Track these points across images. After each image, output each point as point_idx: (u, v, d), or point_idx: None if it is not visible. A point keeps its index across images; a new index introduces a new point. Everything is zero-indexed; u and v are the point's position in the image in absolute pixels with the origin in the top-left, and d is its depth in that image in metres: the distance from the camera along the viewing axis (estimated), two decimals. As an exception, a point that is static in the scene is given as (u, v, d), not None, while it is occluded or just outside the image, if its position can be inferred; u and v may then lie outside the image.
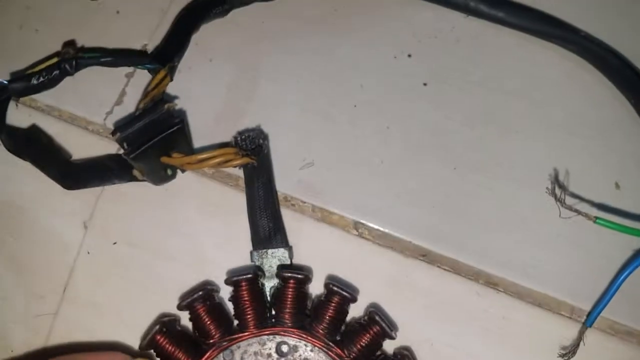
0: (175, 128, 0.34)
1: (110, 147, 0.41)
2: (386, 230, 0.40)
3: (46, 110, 0.42)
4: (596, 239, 0.37)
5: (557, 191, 0.32)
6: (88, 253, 0.40)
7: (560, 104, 0.41)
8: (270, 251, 0.37)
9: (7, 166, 0.40)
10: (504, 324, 0.38)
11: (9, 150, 0.39)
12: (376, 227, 0.40)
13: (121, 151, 0.36)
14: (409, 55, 0.42)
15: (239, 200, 0.40)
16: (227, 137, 0.40)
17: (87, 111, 0.42)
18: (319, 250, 0.39)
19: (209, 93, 0.41)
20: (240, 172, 0.40)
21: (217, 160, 0.36)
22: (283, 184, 0.40)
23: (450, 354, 0.37)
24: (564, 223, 0.36)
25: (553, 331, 0.37)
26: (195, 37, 0.42)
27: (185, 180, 0.41)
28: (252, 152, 0.36)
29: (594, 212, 0.34)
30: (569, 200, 0.34)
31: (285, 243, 0.37)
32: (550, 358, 0.37)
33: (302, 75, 0.42)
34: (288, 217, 0.40)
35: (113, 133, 0.35)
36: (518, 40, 0.42)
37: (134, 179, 0.38)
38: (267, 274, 0.37)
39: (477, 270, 0.39)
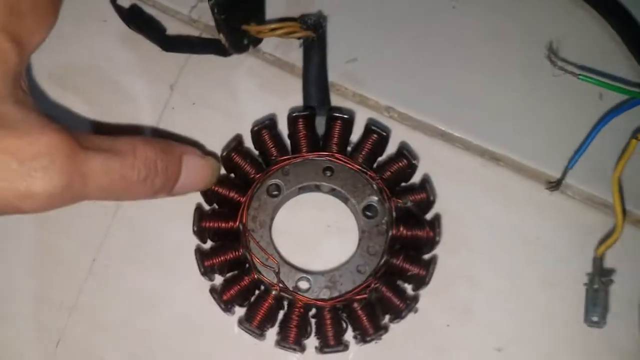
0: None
1: (194, 32, 0.51)
2: (412, 114, 0.49)
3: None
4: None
5: (552, 57, 0.42)
6: (173, 108, 0.49)
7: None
8: (318, 119, 0.46)
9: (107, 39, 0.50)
10: (503, 189, 0.46)
11: (121, 18, 0.48)
12: (404, 111, 0.49)
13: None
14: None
15: (293, 83, 0.49)
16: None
17: (176, 3, 0.52)
18: (356, 128, 0.47)
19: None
20: (295, 60, 0.49)
21: (284, 30, 0.45)
22: (331, 73, 0.48)
23: (455, 207, 0.46)
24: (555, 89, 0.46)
25: (541, 196, 0.46)
26: None
27: (251, 63, 0.50)
28: (312, 27, 0.45)
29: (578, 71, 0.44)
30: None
31: (330, 113, 0.45)
32: (534, 215, 0.46)
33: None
34: (333, 99, 0.48)
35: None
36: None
37: (217, 51, 0.48)
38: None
39: (483, 148, 0.48)
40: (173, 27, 0.50)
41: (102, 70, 0.49)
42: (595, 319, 0.39)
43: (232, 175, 0.44)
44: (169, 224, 0.45)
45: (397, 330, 0.43)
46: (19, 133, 0.27)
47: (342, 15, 0.50)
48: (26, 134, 0.27)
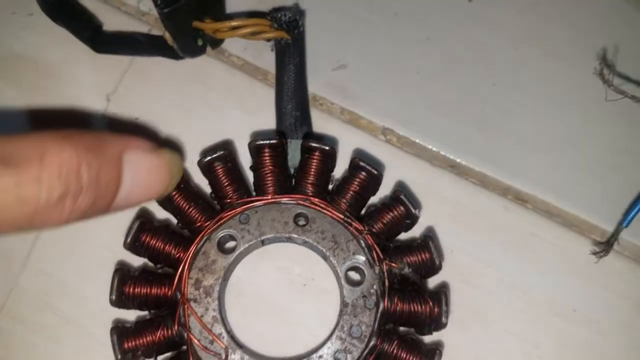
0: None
1: (142, 28, 0.40)
2: (415, 139, 0.38)
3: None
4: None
5: (605, 72, 0.30)
6: (109, 126, 0.38)
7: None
8: (294, 142, 0.35)
9: (39, 33, 0.39)
10: (530, 240, 0.36)
11: (44, 11, 0.38)
12: (405, 134, 0.38)
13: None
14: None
15: (265, 93, 0.38)
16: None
17: (123, -8, 0.41)
18: (343, 153, 0.37)
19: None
20: (270, 66, 0.39)
21: (249, 29, 0.35)
22: (313, 83, 0.39)
23: (470, 263, 0.35)
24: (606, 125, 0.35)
25: (580, 251, 0.35)
26: None
27: (212, 68, 0.39)
28: (287, 26, 0.34)
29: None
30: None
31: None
32: (571, 277, 0.35)
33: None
34: (315, 116, 0.38)
35: (151, -12, 0.34)
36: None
37: (163, 52, 0.37)
38: (289, 162, 0.35)
39: (506, 186, 0.37)
40: (117, 22, 0.40)
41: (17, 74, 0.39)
42: None
43: (175, 220, 0.33)
44: (90, 279, 0.34)
45: None
46: None
47: (327, 9, 0.39)
48: None
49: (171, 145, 0.36)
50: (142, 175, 0.25)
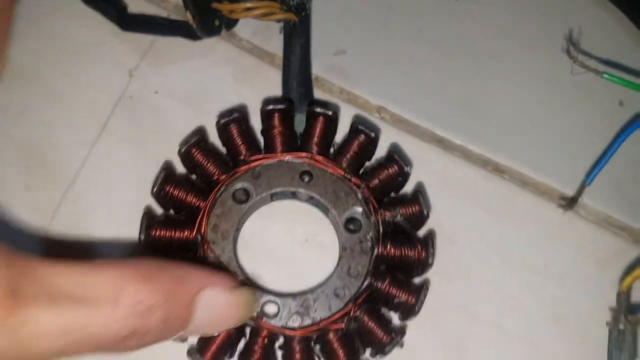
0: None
1: (161, 13, 0.44)
2: (406, 117, 0.43)
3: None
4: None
5: (571, 50, 0.35)
6: (131, 97, 0.42)
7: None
8: (298, 116, 0.40)
9: (68, 13, 0.44)
10: (506, 206, 0.40)
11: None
12: (397, 112, 0.43)
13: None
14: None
15: (272, 75, 0.43)
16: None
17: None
18: (342, 127, 0.41)
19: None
20: (277, 49, 0.43)
21: (261, 11, 0.39)
22: (315, 66, 0.43)
23: (453, 224, 0.39)
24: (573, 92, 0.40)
25: (551, 215, 0.40)
26: None
27: (224, 50, 0.44)
28: (295, 9, 0.39)
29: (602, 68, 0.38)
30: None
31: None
32: (543, 238, 0.39)
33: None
34: (317, 95, 0.42)
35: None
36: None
37: (185, 33, 0.42)
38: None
39: (486, 159, 0.42)
40: (137, 6, 0.44)
41: (52, 51, 0.43)
42: (621, 366, 0.33)
43: (193, 175, 0.37)
44: (116, 230, 0.38)
45: (380, 368, 0.36)
46: None
47: (330, 1, 0.44)
48: None
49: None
50: (214, 314, 0.25)
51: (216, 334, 0.31)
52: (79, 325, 0.20)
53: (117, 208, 0.38)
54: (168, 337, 0.24)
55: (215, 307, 0.25)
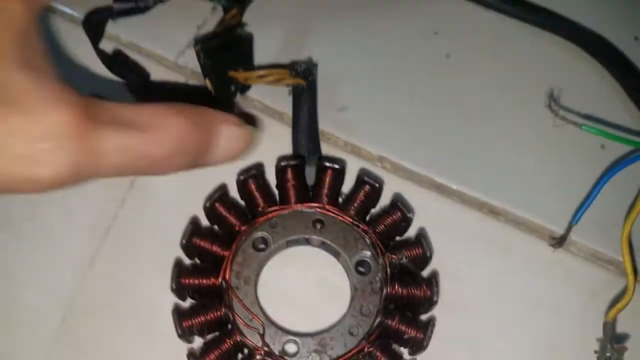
0: (245, 42, 0.42)
1: (178, 79, 0.49)
2: (406, 165, 0.47)
3: (127, 45, 0.50)
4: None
5: (552, 105, 0.40)
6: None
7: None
8: (308, 169, 0.44)
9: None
10: (502, 245, 0.44)
11: (103, 63, 0.46)
12: (397, 161, 0.47)
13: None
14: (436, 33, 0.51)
15: (282, 130, 0.47)
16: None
17: (163, 48, 0.50)
18: (348, 178, 0.45)
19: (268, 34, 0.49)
20: (285, 108, 0.47)
21: (273, 77, 0.43)
22: (322, 122, 0.47)
23: (453, 263, 0.43)
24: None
25: (544, 253, 0.43)
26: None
27: (239, 110, 0.48)
28: (303, 75, 0.43)
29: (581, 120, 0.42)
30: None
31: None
32: (536, 273, 0.43)
33: (348, 40, 0.50)
34: (323, 148, 0.46)
35: (194, 44, 0.43)
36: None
37: (203, 99, 0.46)
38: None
39: (482, 202, 0.45)
40: (158, 73, 0.48)
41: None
42: (611, 391, 0.36)
43: (216, 227, 0.41)
44: (147, 280, 0.41)
45: (392, 399, 0.39)
46: (23, 109, 0.24)
47: (333, 62, 0.48)
48: (32, 110, 0.24)
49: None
50: (228, 144, 0.32)
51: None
52: (137, 145, 0.26)
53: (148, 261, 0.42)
54: (197, 161, 0.30)
55: (230, 137, 0.32)
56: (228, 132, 0.31)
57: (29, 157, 0.24)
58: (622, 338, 0.39)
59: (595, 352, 0.38)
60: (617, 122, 0.45)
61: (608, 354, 0.36)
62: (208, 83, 0.45)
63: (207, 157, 0.31)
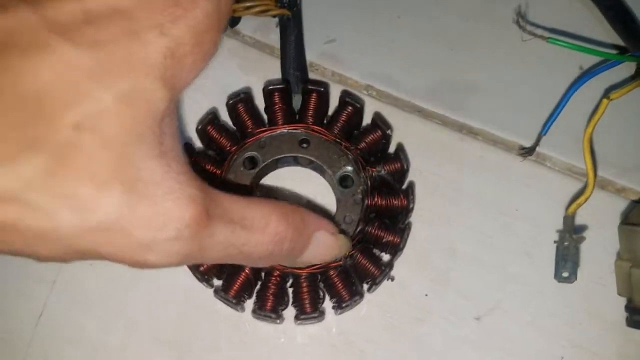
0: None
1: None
2: (390, 92, 0.49)
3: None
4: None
5: (520, 21, 0.42)
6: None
7: None
8: (296, 97, 0.46)
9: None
10: (480, 161, 0.47)
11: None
12: (382, 89, 0.49)
13: None
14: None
15: (272, 64, 0.50)
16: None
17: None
18: (333, 103, 0.48)
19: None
20: (275, 42, 0.50)
21: (258, 8, 0.46)
22: (309, 53, 0.50)
23: (435, 179, 0.46)
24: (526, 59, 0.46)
25: (518, 166, 0.46)
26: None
27: (230, 45, 0.51)
28: (288, 4, 0.46)
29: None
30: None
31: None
32: (513, 186, 0.46)
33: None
34: (311, 78, 0.49)
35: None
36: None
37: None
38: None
39: (461, 123, 0.48)
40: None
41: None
42: (565, 274, 0.39)
43: (209, 151, 0.44)
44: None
45: (377, 301, 0.43)
46: (152, 200, 0.24)
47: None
48: (159, 201, 0.24)
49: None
50: (320, 250, 0.33)
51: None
52: (239, 243, 0.28)
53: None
54: (287, 262, 0.32)
55: (323, 244, 0.33)
56: (324, 239, 0.33)
57: (147, 245, 0.24)
58: (580, 229, 0.42)
59: (555, 241, 0.41)
60: (589, 36, 0.47)
61: (566, 243, 0.39)
62: (199, 17, 0.47)
63: (299, 260, 0.32)
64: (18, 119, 0.22)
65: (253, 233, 0.28)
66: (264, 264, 0.31)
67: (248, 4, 0.45)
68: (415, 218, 0.44)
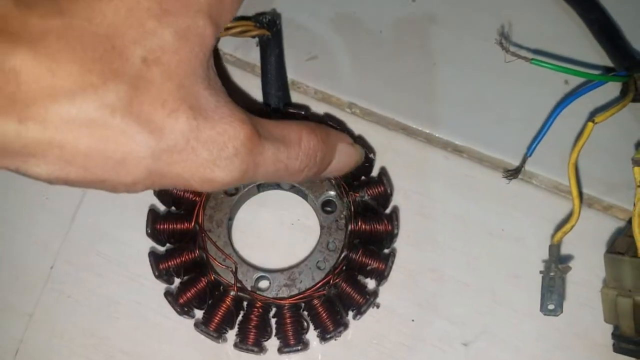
0: None
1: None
2: (374, 110, 0.48)
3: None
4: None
5: (503, 42, 0.41)
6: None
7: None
8: (278, 117, 0.45)
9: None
10: (465, 180, 0.46)
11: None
12: (366, 107, 0.49)
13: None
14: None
15: (254, 82, 0.49)
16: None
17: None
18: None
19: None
20: (256, 60, 0.49)
21: (239, 29, 0.45)
22: (291, 72, 0.49)
23: (420, 199, 0.45)
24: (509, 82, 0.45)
25: (505, 186, 0.45)
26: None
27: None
28: (267, 25, 0.45)
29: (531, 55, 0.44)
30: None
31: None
32: (500, 206, 0.45)
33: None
34: (294, 97, 0.48)
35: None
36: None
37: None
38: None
39: (445, 141, 0.47)
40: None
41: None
42: (551, 307, 0.38)
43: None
44: (127, 228, 0.44)
45: (363, 327, 0.42)
46: (213, 123, 0.28)
47: (300, 14, 0.50)
48: (217, 124, 0.28)
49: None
50: (342, 160, 0.36)
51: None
52: (284, 157, 0.31)
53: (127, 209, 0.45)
54: (319, 173, 0.34)
55: (345, 155, 0.36)
56: (345, 149, 0.36)
57: (212, 162, 0.27)
58: (566, 259, 0.41)
59: (540, 272, 0.40)
60: (576, 57, 0.46)
61: (552, 274, 0.38)
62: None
63: (327, 169, 0.35)
64: (96, 54, 0.24)
65: (292, 147, 0.31)
66: (303, 177, 0.33)
67: (228, 25, 0.44)
68: (400, 239, 0.43)
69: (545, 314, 0.39)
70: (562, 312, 0.39)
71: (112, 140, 0.25)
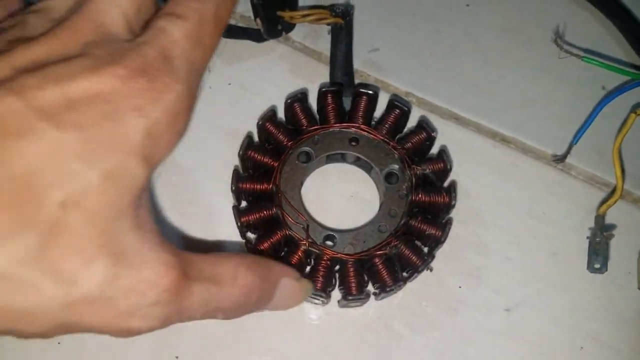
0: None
1: (231, 22, 0.55)
2: (429, 99, 0.53)
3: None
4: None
5: (558, 40, 0.46)
6: (210, 87, 0.53)
7: None
8: (344, 98, 0.50)
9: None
10: (511, 168, 0.51)
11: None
12: (422, 96, 0.53)
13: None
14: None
15: (319, 69, 0.54)
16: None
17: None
18: (378, 108, 0.51)
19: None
20: (323, 48, 0.54)
21: (315, 17, 0.50)
22: (354, 61, 0.53)
23: (469, 184, 0.50)
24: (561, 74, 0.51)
25: (548, 174, 0.50)
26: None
27: (282, 50, 0.55)
28: (341, 14, 0.50)
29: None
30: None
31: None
32: (541, 193, 0.50)
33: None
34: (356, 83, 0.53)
35: (248, -13, 0.50)
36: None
37: (251, 37, 0.53)
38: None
39: (495, 131, 0.52)
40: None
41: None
42: (597, 265, 0.43)
43: (266, 145, 0.48)
44: (210, 186, 0.49)
45: (414, 290, 0.46)
46: (132, 270, 0.26)
47: (367, 7, 0.55)
48: (139, 270, 0.26)
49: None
50: (285, 296, 0.35)
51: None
52: (213, 298, 0.30)
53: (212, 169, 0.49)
54: (256, 310, 0.33)
55: (288, 291, 0.35)
56: (289, 285, 0.35)
57: (130, 312, 0.26)
58: (610, 227, 0.46)
59: (587, 237, 0.45)
60: (618, 56, 0.52)
61: (598, 239, 0.43)
62: (258, 22, 0.51)
63: (267, 306, 0.34)
64: (8, 200, 0.23)
65: (225, 287, 0.30)
66: (238, 315, 0.32)
67: (305, 12, 0.49)
68: (451, 216, 0.47)
69: (591, 272, 0.43)
70: (607, 270, 0.43)
71: (18, 293, 0.24)
